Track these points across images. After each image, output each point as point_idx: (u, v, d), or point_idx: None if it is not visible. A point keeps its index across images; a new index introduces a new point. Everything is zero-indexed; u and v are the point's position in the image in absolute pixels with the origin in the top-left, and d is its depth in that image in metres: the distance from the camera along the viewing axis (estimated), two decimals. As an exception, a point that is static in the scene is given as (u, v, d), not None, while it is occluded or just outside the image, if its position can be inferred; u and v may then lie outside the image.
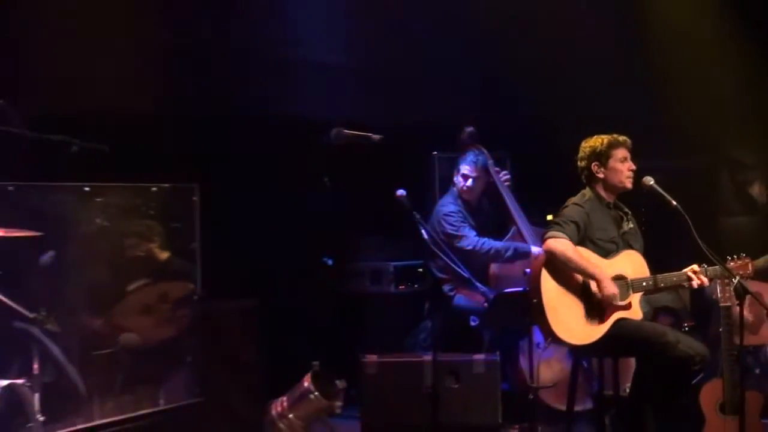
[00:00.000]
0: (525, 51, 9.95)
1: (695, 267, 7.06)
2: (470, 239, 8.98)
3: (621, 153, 7.26)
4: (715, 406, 7.37)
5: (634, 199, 7.45)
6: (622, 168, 7.25)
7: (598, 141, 7.31)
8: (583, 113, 9.23)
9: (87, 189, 7.56)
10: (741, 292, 6.78)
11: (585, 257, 7.04)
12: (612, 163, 7.26)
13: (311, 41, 9.60)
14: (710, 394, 7.41)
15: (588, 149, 7.33)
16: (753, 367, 8.21)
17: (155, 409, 7.68)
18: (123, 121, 8.54)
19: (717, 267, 6.98)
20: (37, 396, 6.81)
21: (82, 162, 7.51)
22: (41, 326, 7.11)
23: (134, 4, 8.74)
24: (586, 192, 7.33)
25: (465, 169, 9.19)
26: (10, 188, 6.98)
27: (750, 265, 7.11)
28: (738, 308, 6.75)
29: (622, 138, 7.31)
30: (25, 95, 7.63)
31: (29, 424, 6.62)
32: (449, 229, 9.00)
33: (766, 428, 7.50)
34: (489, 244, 8.97)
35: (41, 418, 6.73)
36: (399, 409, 8.41)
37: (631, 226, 7.39)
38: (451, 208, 9.15)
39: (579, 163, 7.39)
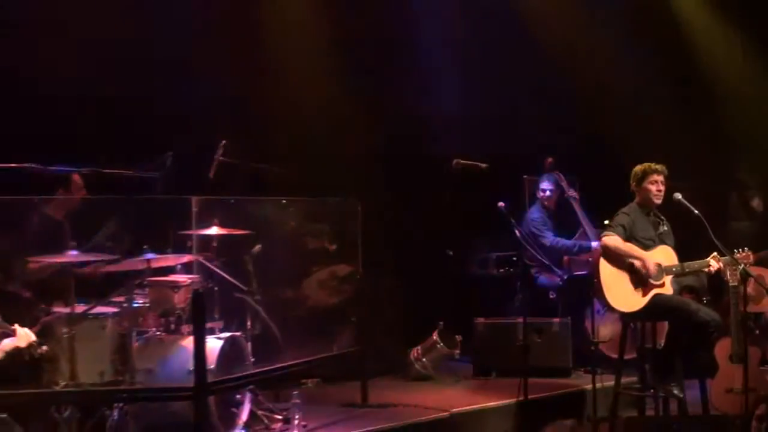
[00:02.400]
0: (592, 108, 9.82)
1: (716, 255, 6.96)
2: (549, 239, 8.94)
3: (653, 177, 7.12)
4: (726, 357, 7.24)
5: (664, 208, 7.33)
6: (651, 188, 7.12)
7: (639, 168, 7.22)
8: (637, 147, 9.04)
9: (284, 201, 7.64)
10: (744, 276, 6.77)
11: (631, 247, 6.98)
12: (644, 184, 7.14)
13: (438, 96, 9.61)
14: (722, 349, 7.29)
15: (633, 174, 7.25)
16: (753, 329, 8.02)
17: (329, 354, 7.71)
18: (309, 154, 8.69)
19: (727, 257, 6.88)
20: (249, 344, 6.92)
21: (280, 182, 7.67)
22: (252, 296, 7.28)
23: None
24: (632, 204, 7.24)
25: (546, 186, 9.14)
26: (232, 201, 7.10)
27: (751, 256, 6.99)
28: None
29: (655, 166, 7.17)
30: (240, 137, 7.80)
31: (245, 363, 6.74)
32: (535, 231, 8.95)
33: (763, 373, 7.35)
34: (562, 243, 8.93)
35: (252, 360, 6.83)
36: (499, 356, 8.45)
37: (666, 228, 7.26)
38: (536, 215, 9.09)
39: (630, 183, 7.30)
